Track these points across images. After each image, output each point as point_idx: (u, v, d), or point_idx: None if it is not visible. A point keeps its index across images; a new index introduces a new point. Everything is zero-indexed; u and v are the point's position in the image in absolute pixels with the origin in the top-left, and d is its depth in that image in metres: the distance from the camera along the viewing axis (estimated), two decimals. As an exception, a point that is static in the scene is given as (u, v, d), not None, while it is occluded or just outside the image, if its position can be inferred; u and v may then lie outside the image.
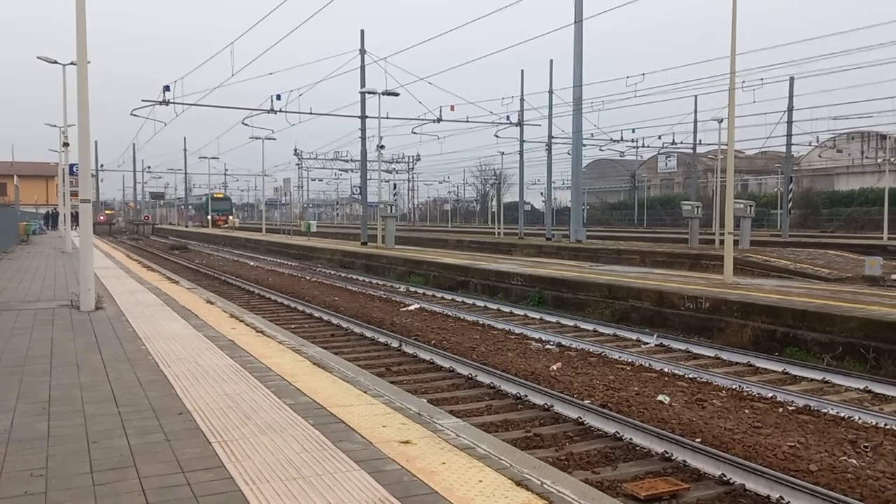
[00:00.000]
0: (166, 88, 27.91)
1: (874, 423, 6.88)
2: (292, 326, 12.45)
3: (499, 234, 43.04)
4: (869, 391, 8.30)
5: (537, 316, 14.18)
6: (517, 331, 12.25)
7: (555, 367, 9.40)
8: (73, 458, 4.10)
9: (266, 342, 7.93)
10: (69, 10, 10.43)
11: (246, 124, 37.21)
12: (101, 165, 76.59)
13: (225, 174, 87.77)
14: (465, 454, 4.14)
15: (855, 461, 5.90)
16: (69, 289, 12.87)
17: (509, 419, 7.18)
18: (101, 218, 66.58)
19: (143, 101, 29.55)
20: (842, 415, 7.16)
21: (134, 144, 72.88)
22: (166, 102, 28.37)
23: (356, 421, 4.79)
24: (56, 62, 27.11)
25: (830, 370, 9.15)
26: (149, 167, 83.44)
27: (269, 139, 44.10)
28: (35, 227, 43.94)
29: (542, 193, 52.36)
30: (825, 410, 7.32)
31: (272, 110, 30.50)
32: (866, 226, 44.09)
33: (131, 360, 6.87)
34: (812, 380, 8.89)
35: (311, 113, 31.83)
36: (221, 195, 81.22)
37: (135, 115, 31.69)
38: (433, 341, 11.27)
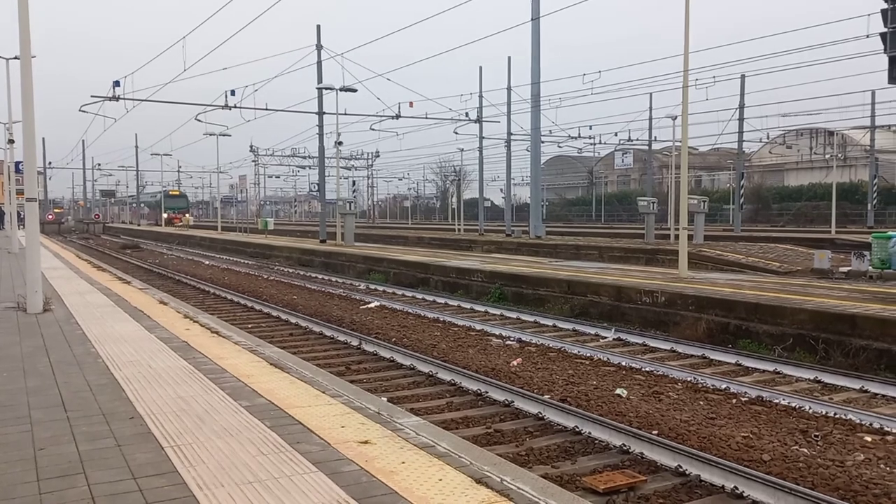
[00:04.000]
0: (116, 84, 27.24)
1: (824, 413, 7.06)
2: (249, 326, 12.27)
3: (459, 230, 43.07)
4: (819, 381, 8.52)
5: (498, 312, 14.22)
6: (478, 327, 12.27)
7: (515, 362, 9.44)
8: (17, 467, 3.95)
9: (221, 343, 7.79)
10: (11, 2, 10.08)
11: (199, 120, 36.49)
12: (49, 163, 74.47)
13: (178, 171, 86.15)
14: (425, 453, 4.11)
15: (806, 450, 6.04)
16: (15, 290, 12.45)
17: (470, 416, 7.18)
18: (50, 217, 64.73)
19: (92, 96, 28.79)
20: (793, 405, 7.32)
21: (83, 141, 71.04)
22: (116, 98, 27.69)
23: (314, 422, 4.73)
24: (-1, 57, 26.23)
25: (782, 361, 9.36)
26: (99, 164, 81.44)
27: (224, 135, 43.41)
28: (-21, 227, 42.53)
29: (501, 190, 52.56)
30: (777, 401, 7.48)
31: (226, 106, 30.00)
32: (815, 220, 45.32)
33: (80, 363, 6.68)
34: (764, 371, 9.09)
35: (266, 109, 31.48)
36: (177, 192, 79.44)
37: (84, 112, 30.90)
38: (393, 339, 11.22)
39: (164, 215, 69.50)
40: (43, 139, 64.09)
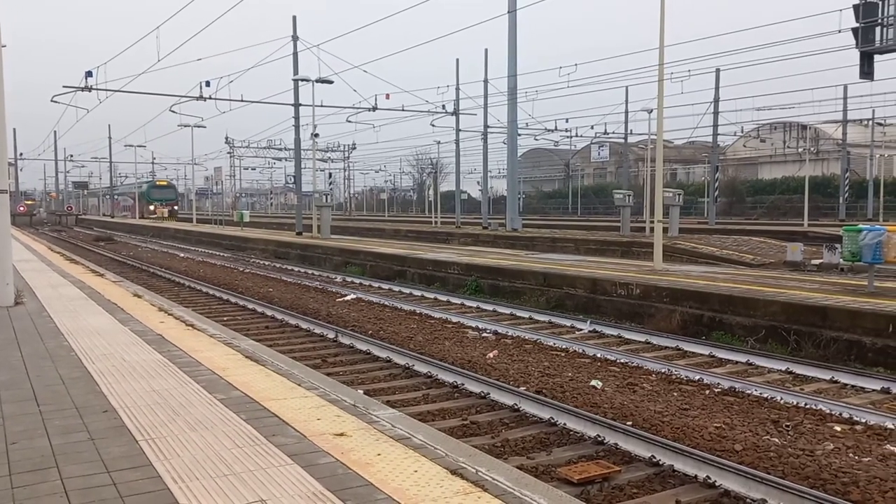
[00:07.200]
0: (88, 74, 26.82)
1: (795, 403, 7.17)
2: (224, 319, 12.18)
3: (436, 223, 43.04)
4: (790, 372, 8.66)
5: (474, 304, 14.26)
6: (454, 319, 12.29)
7: (491, 354, 9.48)
8: (-12, 462, 3.90)
9: (196, 336, 7.73)
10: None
11: (174, 111, 36.05)
12: (20, 154, 73.15)
13: (153, 163, 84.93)
14: (401, 445, 4.12)
15: (777, 440, 6.14)
16: (-15, 283, 12.25)
17: (446, 408, 7.20)
18: (21, 209, 63.73)
19: (64, 86, 28.29)
20: (765, 396, 7.44)
21: (55, 132, 69.71)
22: (89, 88, 27.26)
23: (290, 414, 4.72)
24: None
25: (754, 353, 9.49)
26: (71, 156, 79.92)
27: (199, 127, 42.83)
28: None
29: (478, 182, 52.54)
30: (749, 392, 7.59)
31: (201, 97, 29.65)
32: (788, 213, 45.88)
33: (53, 356, 6.60)
34: (737, 362, 9.21)
35: (241, 100, 31.12)
36: (165, 182, 76.81)
37: (55, 102, 30.39)
38: (370, 331, 11.21)
39: (150, 207, 67.49)
40: (14, 130, 63.01)
